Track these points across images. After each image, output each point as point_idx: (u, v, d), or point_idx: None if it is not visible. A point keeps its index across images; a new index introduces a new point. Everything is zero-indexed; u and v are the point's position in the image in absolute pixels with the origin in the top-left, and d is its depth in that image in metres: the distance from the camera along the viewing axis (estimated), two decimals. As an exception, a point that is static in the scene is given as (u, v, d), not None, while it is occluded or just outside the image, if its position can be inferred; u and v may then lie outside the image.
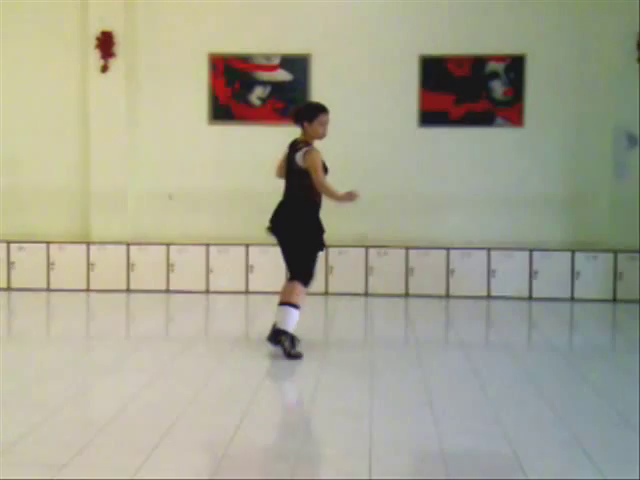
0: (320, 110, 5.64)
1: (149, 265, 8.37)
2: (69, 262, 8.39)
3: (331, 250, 8.27)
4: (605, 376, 5.21)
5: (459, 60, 8.60)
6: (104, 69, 8.55)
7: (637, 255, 8.12)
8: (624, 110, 8.31)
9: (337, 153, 8.69)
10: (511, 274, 8.21)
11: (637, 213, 8.24)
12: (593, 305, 7.96)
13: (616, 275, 8.13)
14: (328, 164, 5.76)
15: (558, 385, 5.02)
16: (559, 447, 3.74)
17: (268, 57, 8.72)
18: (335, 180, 8.99)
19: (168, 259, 8.40)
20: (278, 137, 8.73)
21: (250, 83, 8.75)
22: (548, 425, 4.10)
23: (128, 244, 8.46)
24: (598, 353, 6.06)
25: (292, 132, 9.22)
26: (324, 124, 5.61)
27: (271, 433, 3.98)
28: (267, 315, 7.34)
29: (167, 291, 8.35)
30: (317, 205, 5.71)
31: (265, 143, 8.74)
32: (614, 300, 8.11)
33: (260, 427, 4.02)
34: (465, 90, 8.61)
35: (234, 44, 8.73)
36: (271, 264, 8.36)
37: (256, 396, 4.54)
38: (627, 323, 7.38)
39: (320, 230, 5.72)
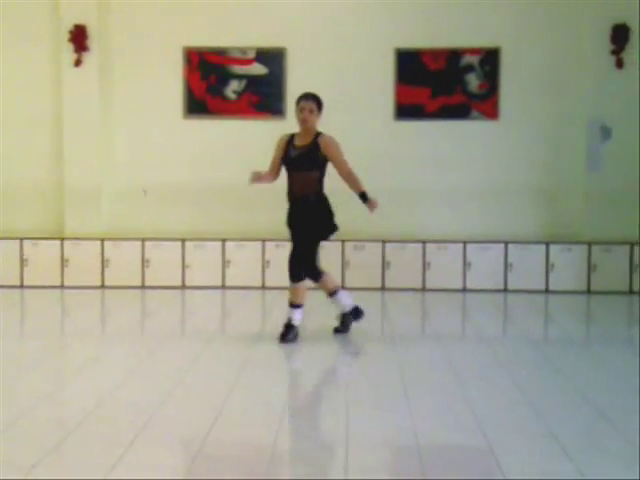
0: (297, 99, 5.93)
1: (124, 261, 8.30)
2: (43, 258, 8.30)
3: (307, 244, 8.26)
4: (580, 368, 5.25)
5: (434, 53, 8.60)
6: (77, 63, 8.46)
7: (611, 247, 8.19)
8: (598, 103, 8.36)
9: (313, 147, 8.69)
10: (487, 267, 8.24)
11: (611, 205, 8.32)
12: (567, 297, 8.01)
13: (590, 267, 8.19)
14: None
15: (534, 377, 5.04)
16: (534, 440, 3.76)
17: (243, 51, 8.68)
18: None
19: (143, 254, 8.34)
20: (254, 131, 8.78)
21: (225, 77, 8.70)
22: (524, 418, 4.12)
23: (102, 240, 8.38)
24: (573, 345, 6.10)
25: (268, 126, 9.21)
26: (301, 110, 5.83)
27: (247, 429, 3.96)
28: (244, 310, 7.34)
29: (142, 287, 8.29)
30: (290, 197, 5.91)
31: (241, 137, 8.71)
32: (588, 292, 8.18)
33: (236, 423, 4.00)
34: (440, 83, 8.62)
35: (209, 38, 8.67)
36: (248, 259, 8.36)
37: (232, 392, 4.52)
38: (601, 315, 7.44)
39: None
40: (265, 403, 4.35)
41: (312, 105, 5.82)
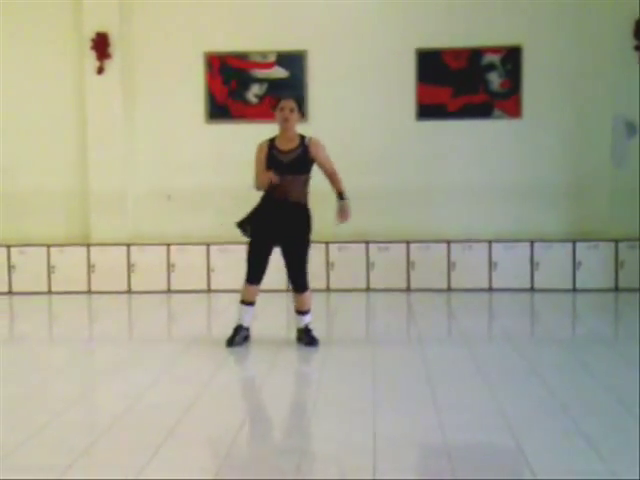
0: (277, 100, 5.83)
1: (150, 266, 8.36)
2: (70, 264, 8.38)
3: (331, 246, 8.28)
4: (608, 366, 5.20)
5: (455, 52, 8.58)
6: (100, 70, 8.53)
7: (638, 243, 8.10)
8: (622, 99, 8.29)
9: (335, 148, 8.66)
10: (512, 266, 8.19)
11: (637, 201, 8.23)
12: (595, 295, 7.94)
13: (617, 264, 8.11)
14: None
15: (561, 376, 5.00)
16: (564, 439, 3.73)
17: (264, 54, 8.71)
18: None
19: (169, 259, 8.39)
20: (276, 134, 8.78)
21: (246, 81, 8.73)
22: (553, 417, 4.09)
23: (128, 245, 8.45)
24: (601, 343, 6.03)
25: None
26: (281, 110, 5.68)
27: (275, 430, 3.97)
28: (268, 314, 7.35)
29: (168, 291, 8.34)
30: (276, 201, 5.73)
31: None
32: (616, 289, 8.10)
33: (264, 424, 4.01)
34: (462, 82, 8.59)
35: (230, 42, 8.71)
36: (272, 262, 8.35)
37: (259, 394, 4.53)
38: (629, 312, 7.36)
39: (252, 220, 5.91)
40: (292, 404, 4.35)
41: (292, 104, 5.67)
